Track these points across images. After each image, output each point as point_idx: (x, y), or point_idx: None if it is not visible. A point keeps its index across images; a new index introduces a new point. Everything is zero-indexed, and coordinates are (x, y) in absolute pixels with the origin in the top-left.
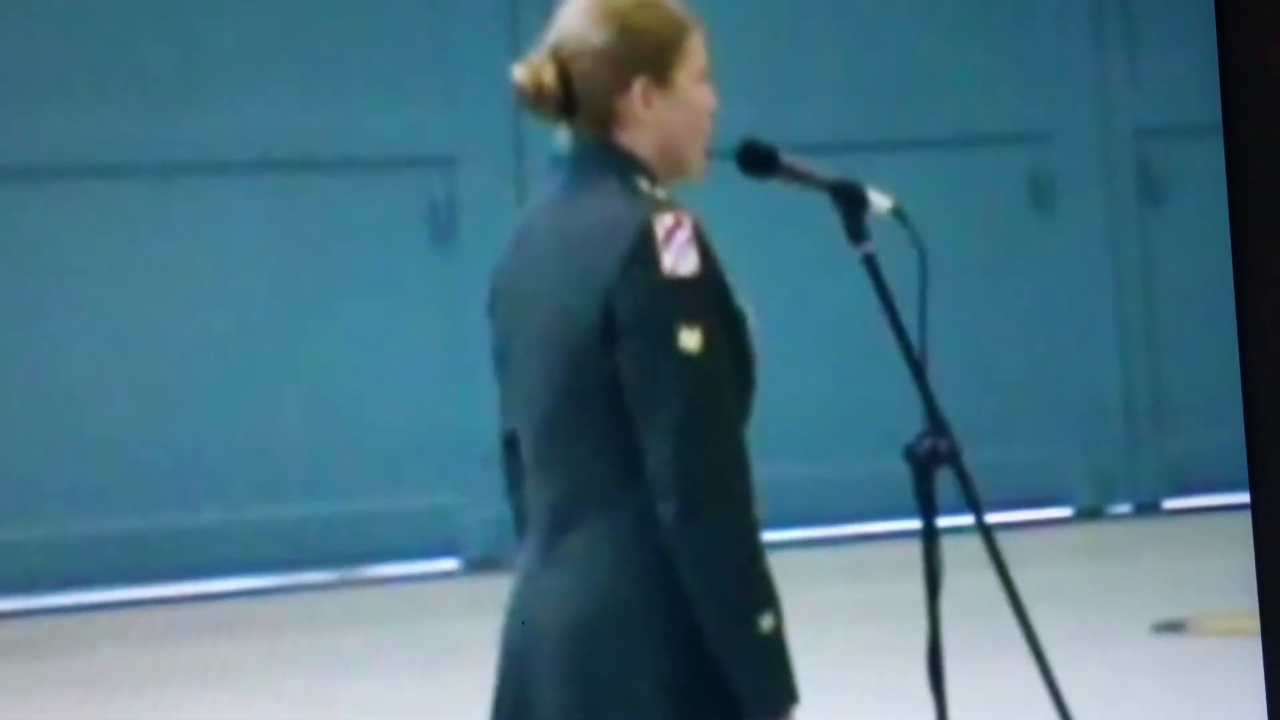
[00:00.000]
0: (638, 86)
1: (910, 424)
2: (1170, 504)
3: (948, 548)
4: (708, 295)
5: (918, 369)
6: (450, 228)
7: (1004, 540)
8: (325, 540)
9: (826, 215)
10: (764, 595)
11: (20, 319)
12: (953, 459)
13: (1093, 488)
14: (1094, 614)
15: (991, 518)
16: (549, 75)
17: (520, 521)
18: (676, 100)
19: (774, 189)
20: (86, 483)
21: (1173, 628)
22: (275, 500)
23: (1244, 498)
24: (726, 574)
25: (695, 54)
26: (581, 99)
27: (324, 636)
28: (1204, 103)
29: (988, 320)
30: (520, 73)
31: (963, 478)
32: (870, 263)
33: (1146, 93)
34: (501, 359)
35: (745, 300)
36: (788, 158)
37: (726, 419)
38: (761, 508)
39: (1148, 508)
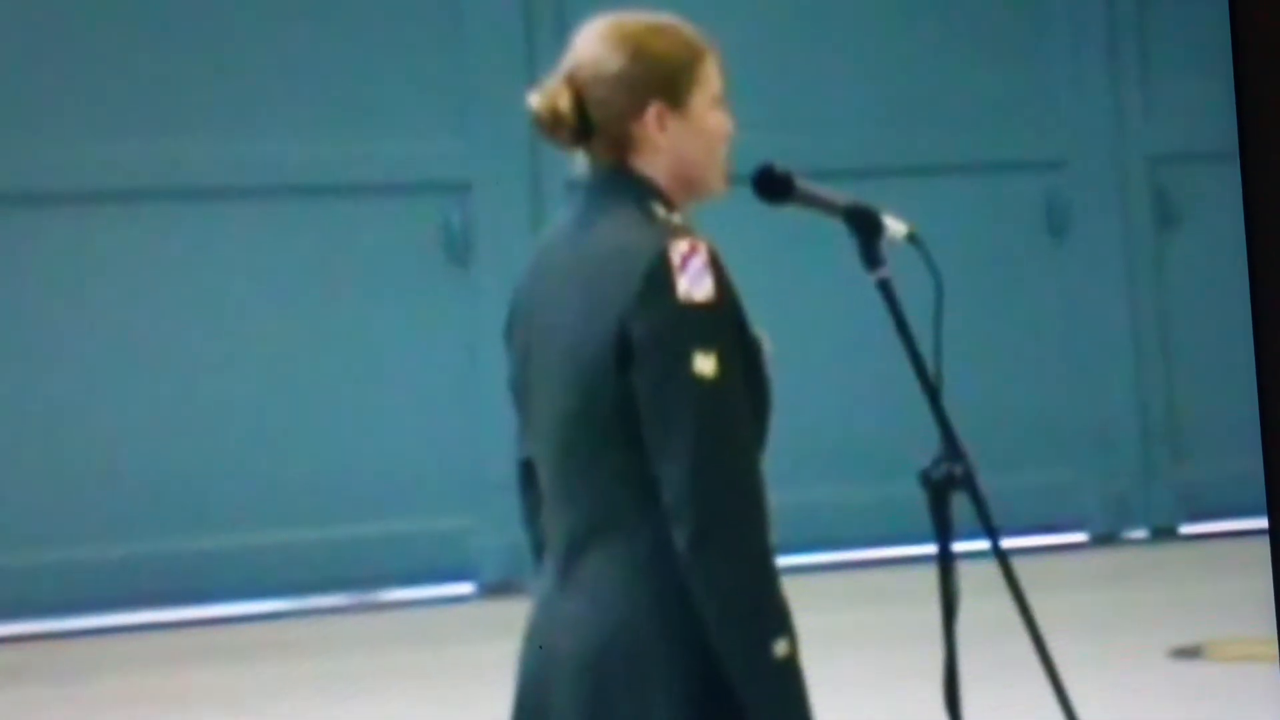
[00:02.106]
0: (653, 111)
1: (926, 449)
2: (1186, 529)
3: (963, 572)
4: (723, 321)
5: (933, 394)
6: (465, 252)
7: (1019, 565)
8: (338, 564)
9: (842, 241)
10: (778, 621)
11: (33, 344)
12: (968, 484)
13: (1108, 513)
14: (1110, 639)
15: (1007, 542)
16: (564, 101)
17: (537, 548)
18: (691, 125)
19: (790, 214)
20: (97, 506)
21: (1189, 653)
22: (289, 524)
23: (1260, 522)
24: (740, 600)
25: (710, 79)
26: (597, 124)
27: (337, 661)
28: (1219, 129)
29: (1003, 345)
30: (536, 99)
31: (978, 502)
32: (885, 288)
33: (1161, 120)
34: (518, 385)
35: (760, 326)
36: (803, 183)
37: (741, 444)
38: (775, 532)
39: (1163, 533)
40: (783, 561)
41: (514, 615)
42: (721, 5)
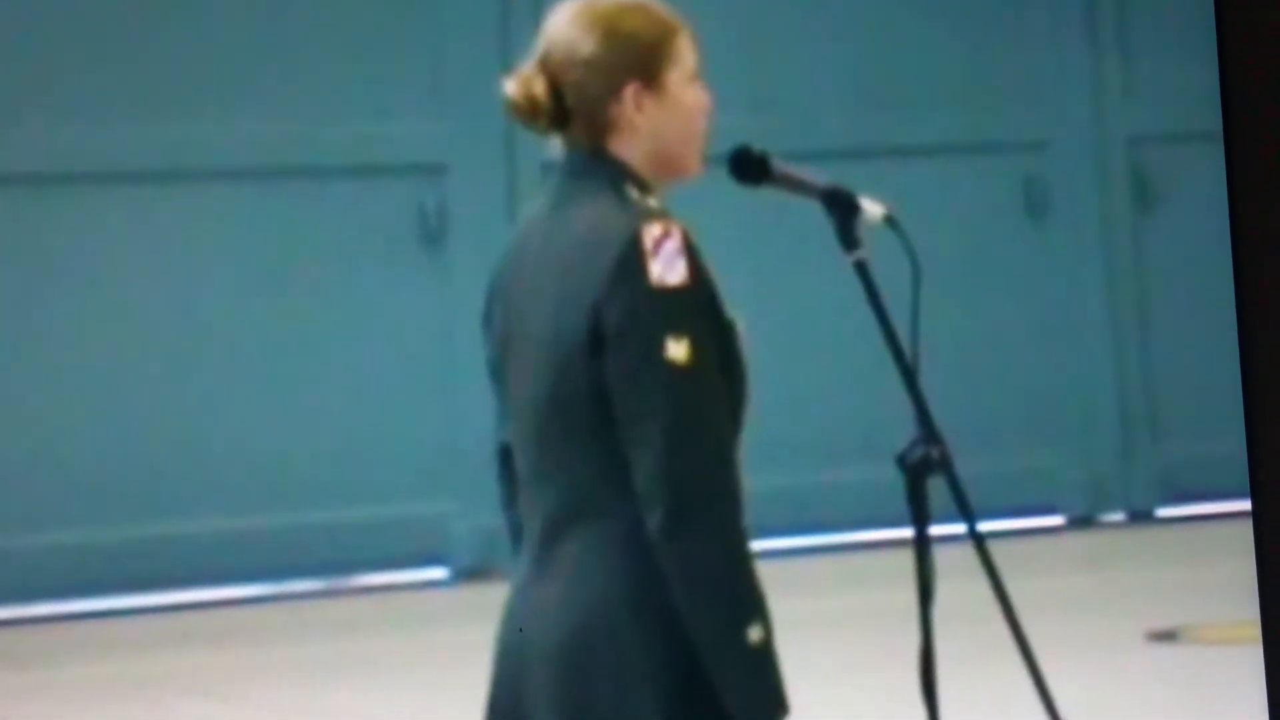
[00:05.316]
0: (629, 92)
1: (903, 432)
2: (1164, 512)
3: (940, 556)
4: (696, 305)
5: (910, 376)
6: (440, 235)
7: (996, 548)
8: (313, 549)
9: (819, 222)
10: (752, 606)
11: (12, 326)
12: (945, 467)
13: (1086, 495)
14: (1087, 622)
15: (984, 526)
16: (540, 88)
17: (516, 532)
18: (668, 103)
19: (766, 196)
20: (72, 491)
21: (1167, 636)
22: (263, 509)
23: (1238, 505)
24: (714, 585)
25: (684, 55)
26: (574, 109)
27: (312, 645)
28: (1199, 110)
29: (981, 327)
30: (511, 87)
31: (955, 485)
32: (862, 270)
33: (1141, 100)
34: (496, 369)
35: (736, 309)
36: (780, 165)
37: (714, 430)
38: (749, 516)
39: (1141, 516)
40: (758, 545)
41: (489, 600)
42: None
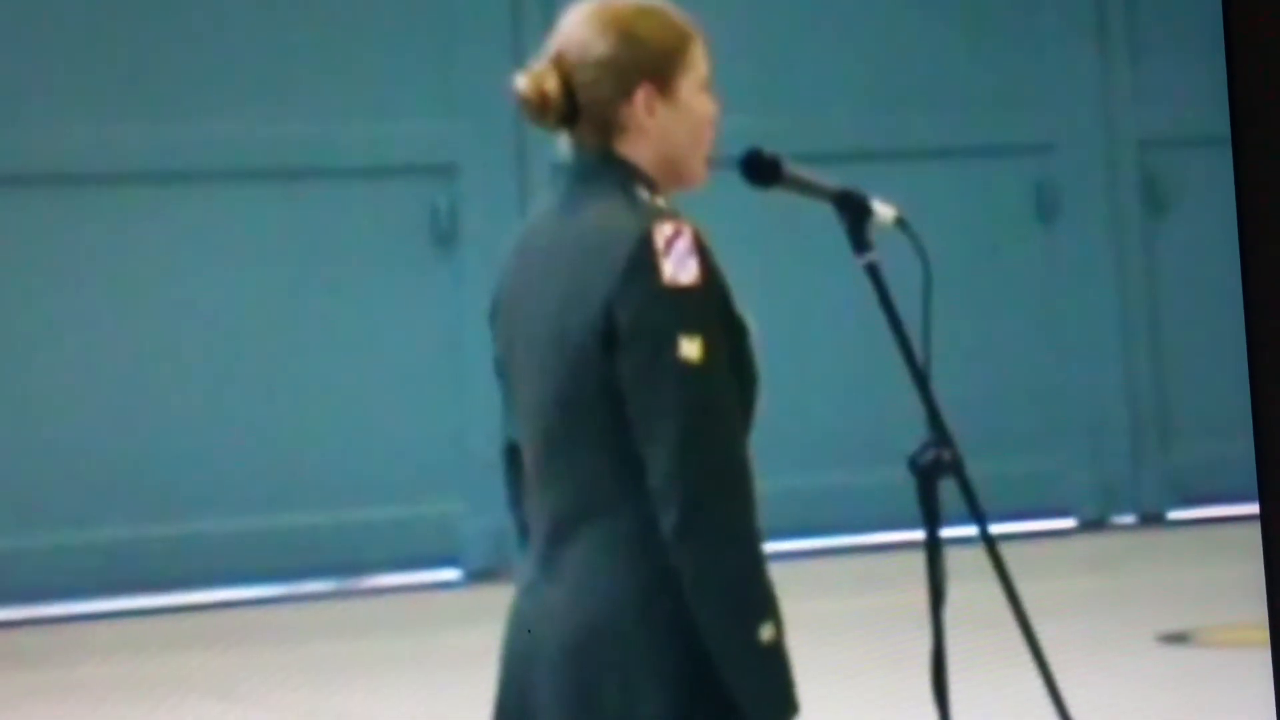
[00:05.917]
0: (640, 95)
1: (914, 434)
2: (1175, 515)
3: (951, 558)
4: (708, 304)
5: (921, 379)
6: (452, 235)
7: (1007, 551)
8: (325, 550)
9: (830, 225)
10: (764, 605)
11: (18, 326)
12: (956, 469)
13: (1097, 498)
14: (1098, 625)
15: (995, 528)
16: (552, 84)
17: (523, 531)
18: (678, 109)
19: (778, 198)
20: (83, 491)
21: (1177, 638)
22: (274, 509)
23: (1249, 509)
24: (727, 584)
25: (697, 63)
26: (584, 108)
27: (323, 646)
28: (1209, 114)
29: (992, 330)
30: (522, 82)
31: (966, 488)
32: (874, 272)
33: (1151, 104)
34: (503, 368)
35: (747, 310)
36: (791, 167)
37: (728, 429)
38: (762, 516)
39: (1152, 518)
40: (770, 547)
41: (500, 601)
42: None
